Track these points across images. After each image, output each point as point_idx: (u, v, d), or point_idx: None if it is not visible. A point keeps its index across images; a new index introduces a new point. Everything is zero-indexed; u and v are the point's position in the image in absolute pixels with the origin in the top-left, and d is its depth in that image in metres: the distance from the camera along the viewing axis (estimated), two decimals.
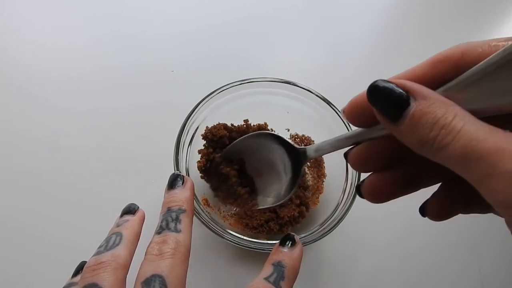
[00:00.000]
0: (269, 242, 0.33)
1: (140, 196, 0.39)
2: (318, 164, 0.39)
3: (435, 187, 0.22)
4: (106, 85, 0.46)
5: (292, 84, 0.37)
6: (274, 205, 0.33)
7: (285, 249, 0.26)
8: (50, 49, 0.48)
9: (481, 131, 0.15)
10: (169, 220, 0.24)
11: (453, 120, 0.16)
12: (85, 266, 0.22)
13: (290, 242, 0.27)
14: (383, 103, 0.18)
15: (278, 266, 0.25)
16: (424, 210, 0.23)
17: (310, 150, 0.28)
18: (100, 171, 0.40)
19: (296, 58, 0.51)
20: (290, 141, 0.31)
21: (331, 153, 0.27)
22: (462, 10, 0.59)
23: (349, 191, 0.34)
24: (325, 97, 0.37)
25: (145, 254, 0.22)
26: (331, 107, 0.36)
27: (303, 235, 0.33)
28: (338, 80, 0.49)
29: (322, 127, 0.38)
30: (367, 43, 0.54)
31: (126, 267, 0.22)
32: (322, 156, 0.39)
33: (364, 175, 0.23)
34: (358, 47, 0.53)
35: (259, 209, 0.34)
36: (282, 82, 0.37)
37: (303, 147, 0.29)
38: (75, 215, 0.38)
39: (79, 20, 0.51)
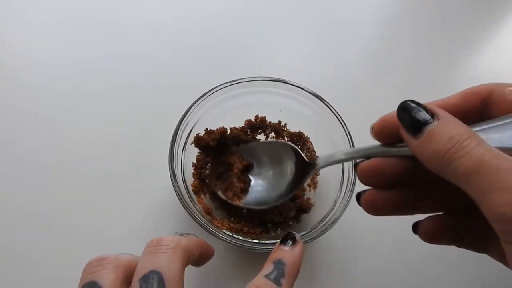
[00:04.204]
0: (268, 242, 0.32)
1: (139, 197, 0.39)
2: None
3: None
4: (104, 87, 0.45)
5: (283, 82, 0.37)
6: (257, 207, 0.34)
7: (286, 247, 0.26)
8: (46, 51, 0.47)
9: (494, 152, 0.17)
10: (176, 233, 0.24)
11: (468, 139, 0.17)
12: (86, 263, 0.21)
13: (291, 241, 0.27)
14: (409, 119, 0.20)
15: (279, 263, 0.24)
16: (417, 228, 0.25)
17: (320, 159, 0.29)
18: (100, 174, 0.40)
19: (297, 62, 0.51)
20: (302, 153, 0.33)
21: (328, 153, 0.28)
22: (464, 12, 0.58)
23: (347, 186, 0.34)
24: (317, 93, 0.37)
25: (144, 250, 0.22)
26: (324, 103, 0.36)
27: (303, 233, 0.32)
28: (331, 77, 0.49)
29: (316, 123, 0.38)
30: (363, 40, 0.54)
31: (128, 266, 0.21)
32: (317, 154, 0.39)
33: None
34: (353, 45, 0.53)
35: (238, 205, 0.35)
36: (273, 81, 0.37)
37: (312, 160, 0.30)
38: (72, 219, 0.37)
39: (77, 23, 0.50)
